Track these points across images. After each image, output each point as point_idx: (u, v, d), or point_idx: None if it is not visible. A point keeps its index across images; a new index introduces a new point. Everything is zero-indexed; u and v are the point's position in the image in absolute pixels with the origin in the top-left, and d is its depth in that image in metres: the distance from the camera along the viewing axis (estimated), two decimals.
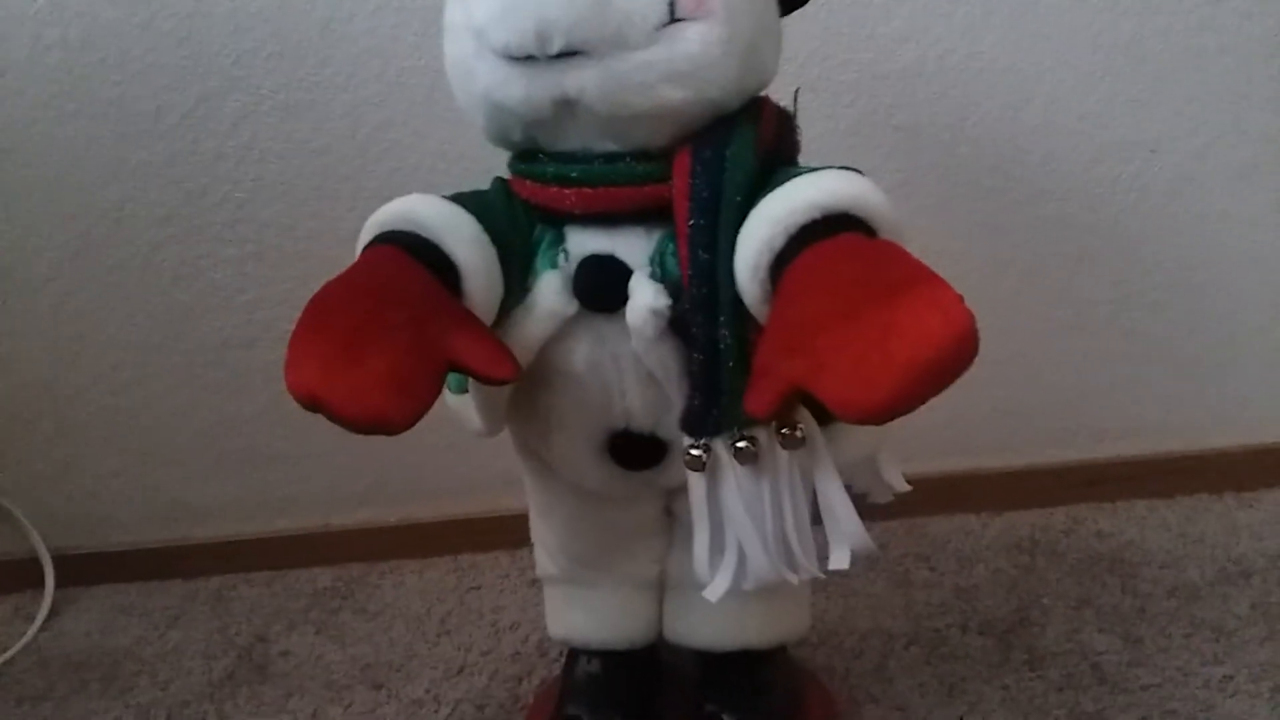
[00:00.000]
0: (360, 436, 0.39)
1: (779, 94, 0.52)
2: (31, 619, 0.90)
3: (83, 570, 0.95)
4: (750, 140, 0.46)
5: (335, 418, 0.38)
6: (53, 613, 0.92)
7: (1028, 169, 0.85)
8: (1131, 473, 0.92)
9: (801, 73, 0.81)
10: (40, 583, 0.94)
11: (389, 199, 0.48)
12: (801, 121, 0.53)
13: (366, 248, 0.46)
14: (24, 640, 0.88)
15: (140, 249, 0.86)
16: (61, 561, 0.95)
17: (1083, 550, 0.84)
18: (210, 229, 0.85)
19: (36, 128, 0.81)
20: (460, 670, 0.77)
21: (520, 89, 0.45)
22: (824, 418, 0.47)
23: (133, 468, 0.94)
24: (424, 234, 0.45)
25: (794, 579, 0.50)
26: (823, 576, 0.50)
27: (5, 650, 0.86)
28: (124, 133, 0.82)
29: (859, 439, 0.53)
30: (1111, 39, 0.81)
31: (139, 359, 0.90)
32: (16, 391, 0.91)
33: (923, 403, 0.36)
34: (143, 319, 0.88)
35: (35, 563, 0.94)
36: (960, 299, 0.36)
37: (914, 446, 0.91)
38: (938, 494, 0.92)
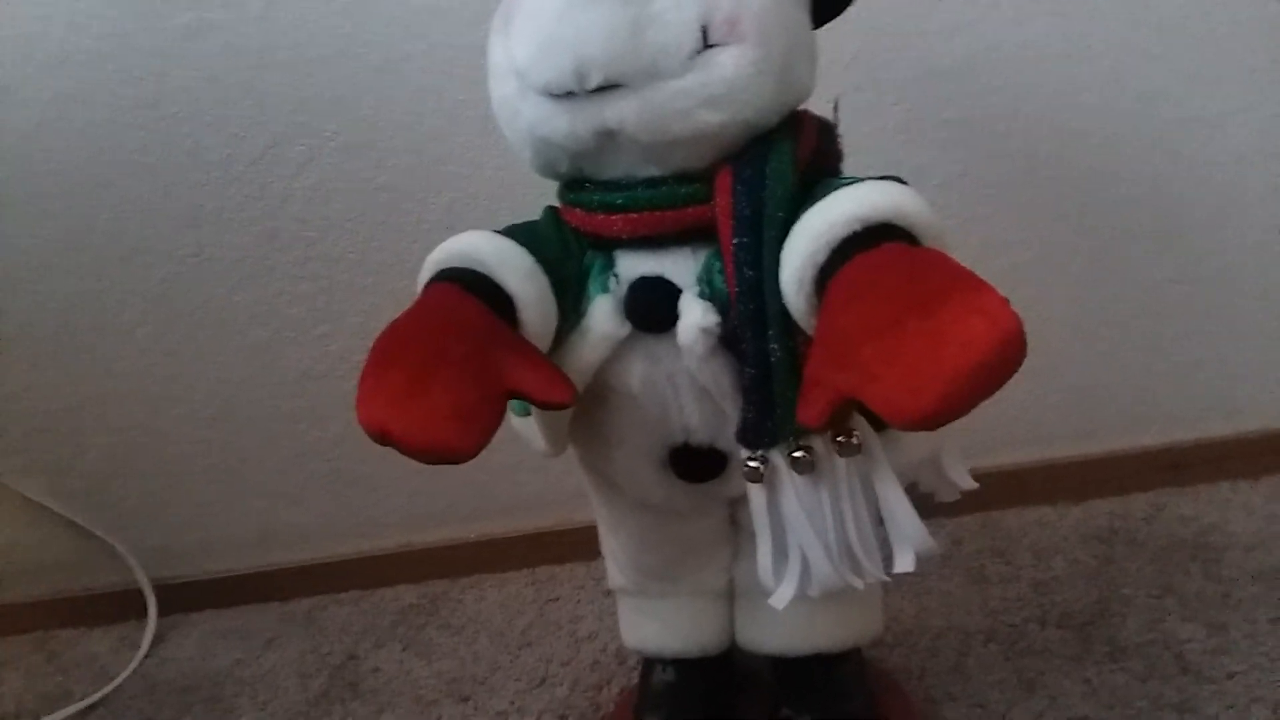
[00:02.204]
0: None
1: (826, 99, 0.52)
2: (137, 647, 0.95)
3: (182, 598, 1.00)
4: (789, 156, 0.47)
5: (404, 449, 0.40)
6: (156, 640, 0.96)
7: (1087, 153, 0.84)
8: (1212, 455, 0.90)
9: (847, 74, 0.81)
10: (143, 612, 0.98)
11: (451, 229, 0.50)
12: (850, 123, 0.53)
13: (426, 285, 0.47)
14: (131, 667, 0.92)
15: (219, 290, 0.89)
16: (162, 591, 0.99)
17: (1164, 537, 0.83)
18: (283, 268, 0.88)
19: (118, 185, 0.86)
20: (542, 681, 0.79)
21: (563, 124, 0.46)
22: (879, 423, 0.47)
23: (224, 498, 0.98)
24: (480, 269, 0.46)
25: (859, 584, 0.50)
26: (887, 580, 0.51)
27: (114, 678, 0.90)
28: (198, 181, 0.85)
29: (918, 441, 0.53)
30: (1167, 16, 0.79)
31: (224, 394, 0.94)
32: (113, 432, 0.95)
33: (973, 408, 0.36)
34: (226, 356, 0.92)
35: (138, 593, 0.99)
36: (1006, 302, 0.36)
37: (986, 439, 0.91)
38: (1012, 487, 0.92)
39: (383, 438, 0.40)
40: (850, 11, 0.53)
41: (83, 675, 0.93)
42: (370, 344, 0.42)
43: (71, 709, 0.86)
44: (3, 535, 1.00)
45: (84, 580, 1.02)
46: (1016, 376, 0.35)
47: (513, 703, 0.77)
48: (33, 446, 0.96)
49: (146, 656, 0.94)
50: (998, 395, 0.35)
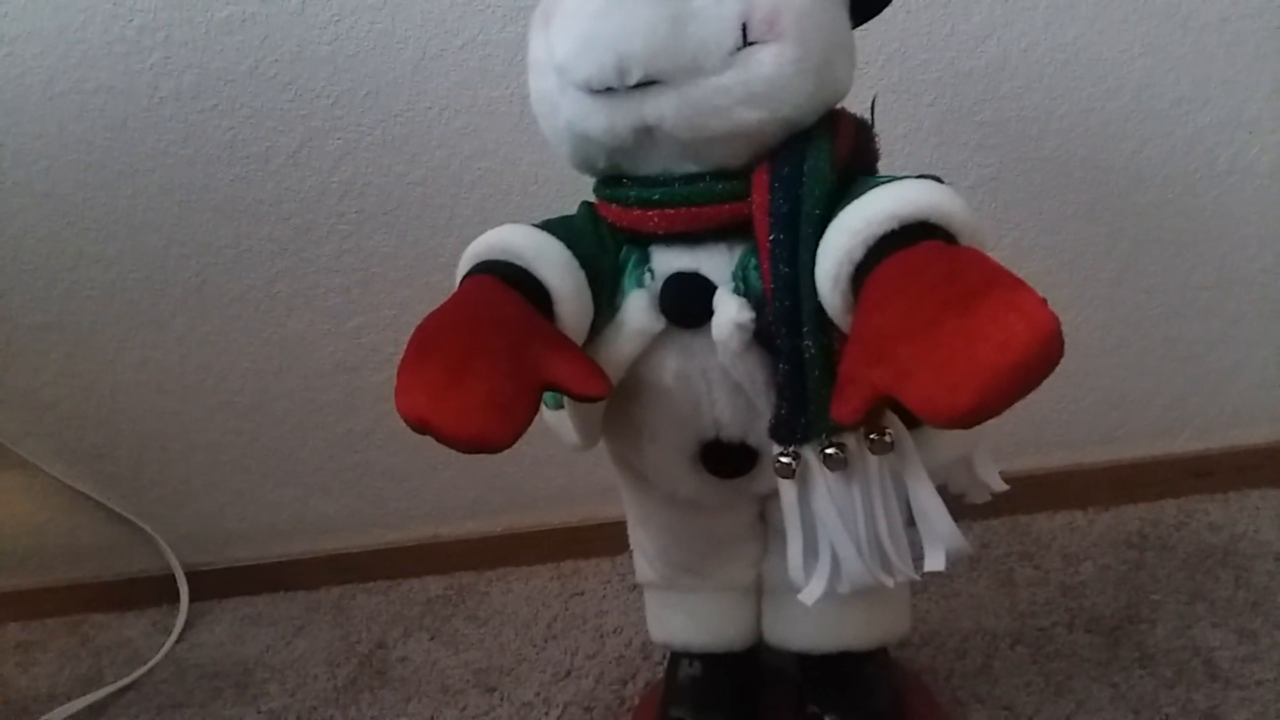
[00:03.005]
0: None
1: (860, 99, 0.52)
2: (169, 631, 0.96)
3: (214, 585, 1.01)
4: (827, 154, 0.47)
5: (442, 438, 0.40)
6: (188, 625, 0.98)
7: (1121, 157, 0.83)
8: (1243, 462, 0.89)
9: (882, 74, 0.81)
10: (175, 598, 1.00)
11: (484, 224, 0.50)
12: (885, 123, 0.53)
13: (464, 278, 0.48)
14: (163, 652, 0.93)
15: (256, 282, 0.91)
16: (194, 577, 1.01)
17: (1194, 544, 0.82)
18: (319, 260, 0.89)
19: (156, 175, 0.87)
20: (568, 673, 0.79)
21: (602, 120, 0.46)
22: (913, 421, 0.47)
23: (256, 487, 0.99)
24: (517, 262, 0.47)
25: (889, 582, 0.50)
26: (918, 579, 0.51)
27: (146, 662, 0.92)
28: (237, 175, 0.86)
29: (951, 440, 0.53)
30: (1202, 20, 0.79)
31: (258, 385, 0.95)
32: (148, 420, 0.97)
33: (1009, 406, 0.36)
34: (260, 347, 0.93)
35: (170, 579, 1.01)
36: (1043, 301, 0.36)
37: (1017, 442, 0.91)
38: (1042, 490, 0.91)
39: (422, 427, 0.41)
40: (886, 12, 0.53)
41: (115, 659, 0.94)
42: (403, 337, 0.43)
43: (103, 691, 0.87)
44: (39, 520, 1.02)
45: (118, 565, 1.04)
46: (1049, 380, 0.35)
47: (538, 694, 0.77)
48: (69, 433, 0.98)
49: (178, 641, 0.95)
50: (1029, 398, 0.35)
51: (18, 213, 0.89)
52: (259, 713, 0.82)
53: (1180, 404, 0.91)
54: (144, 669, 0.91)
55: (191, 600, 1.00)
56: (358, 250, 0.89)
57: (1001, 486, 0.58)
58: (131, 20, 0.82)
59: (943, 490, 0.55)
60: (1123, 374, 0.90)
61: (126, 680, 0.89)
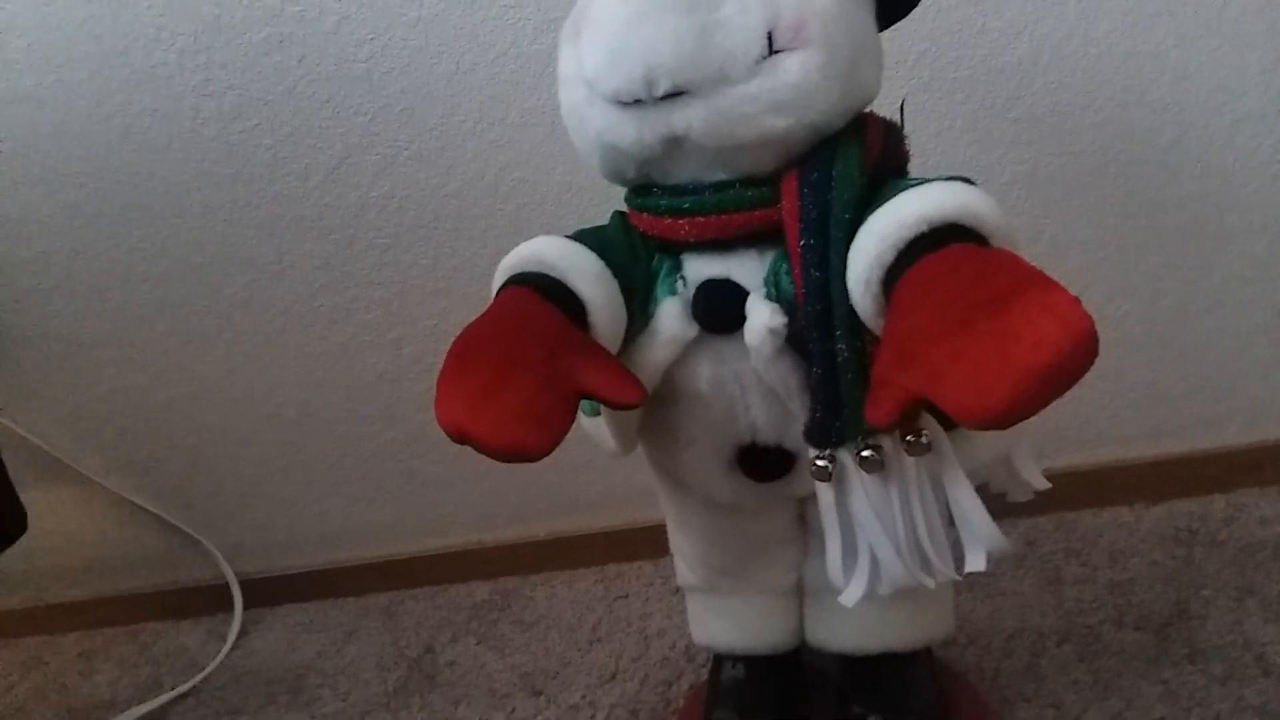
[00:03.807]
0: None
1: (891, 99, 0.52)
2: (224, 639, 0.98)
3: (266, 592, 1.03)
4: (856, 158, 0.47)
5: (480, 448, 0.41)
6: (242, 633, 1.00)
7: (1159, 150, 0.82)
8: None
9: (913, 74, 0.80)
10: (230, 606, 1.02)
11: (519, 234, 0.51)
12: (917, 123, 0.53)
13: (500, 290, 0.49)
14: (218, 659, 0.95)
15: (299, 297, 0.92)
16: (247, 585, 1.03)
17: (1244, 538, 0.81)
18: (359, 274, 0.91)
19: (200, 194, 0.89)
20: (613, 676, 0.80)
21: (631, 131, 0.47)
22: (949, 422, 0.47)
23: (304, 496, 1.01)
24: (552, 274, 0.48)
25: (929, 583, 0.50)
26: (959, 579, 0.51)
27: (203, 669, 0.94)
28: (278, 192, 0.88)
29: (990, 440, 0.53)
30: (1238, 8, 0.77)
31: (303, 397, 0.97)
32: (199, 433, 0.99)
33: (1043, 408, 0.35)
34: (305, 360, 0.95)
35: (225, 588, 1.03)
36: (1077, 301, 0.36)
37: (1061, 439, 0.90)
38: (1088, 487, 0.90)
39: (461, 437, 0.41)
40: (916, 10, 0.53)
41: (173, 666, 0.97)
42: (443, 347, 0.44)
43: (163, 698, 0.90)
44: (95, 531, 1.05)
45: (173, 575, 1.06)
46: (1093, 375, 0.35)
47: (584, 696, 0.78)
48: (122, 446, 1.01)
49: (233, 648, 0.97)
50: (1073, 394, 0.35)
51: (68, 233, 0.91)
52: (313, 717, 0.83)
53: (1227, 396, 0.89)
54: (201, 676, 0.93)
55: (245, 608, 1.02)
56: (396, 263, 0.90)
57: (1044, 484, 0.57)
58: (173, 44, 0.84)
59: (985, 489, 0.55)
60: (1168, 367, 0.89)
61: (185, 687, 0.91)
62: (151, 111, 0.87)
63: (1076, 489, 0.89)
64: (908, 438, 0.47)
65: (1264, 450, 0.88)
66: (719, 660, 0.66)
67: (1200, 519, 0.85)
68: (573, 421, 0.43)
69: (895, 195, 0.44)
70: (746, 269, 0.49)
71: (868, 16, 0.49)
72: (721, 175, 0.48)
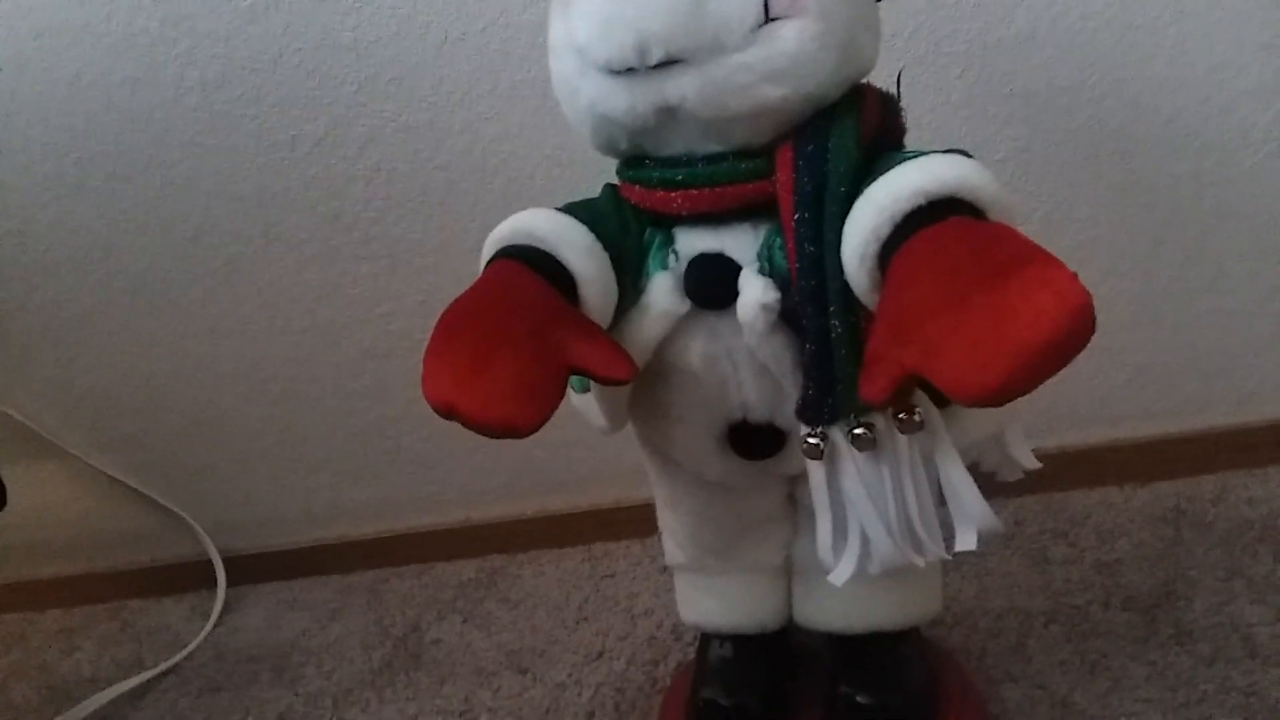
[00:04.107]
0: None
1: (887, 72, 0.51)
2: (207, 616, 0.98)
3: (250, 569, 1.03)
4: (852, 130, 0.46)
5: (468, 424, 0.41)
6: (225, 610, 0.99)
7: (1155, 126, 0.81)
8: None
9: (909, 47, 0.79)
10: (213, 583, 1.02)
11: (509, 208, 0.50)
12: (913, 97, 0.52)
13: (489, 263, 0.48)
14: (201, 636, 0.95)
15: (285, 270, 0.91)
16: (231, 562, 1.03)
17: (1232, 519, 0.81)
18: (346, 248, 0.90)
19: (183, 165, 0.88)
20: (599, 655, 0.80)
21: (624, 101, 0.46)
22: (942, 400, 0.47)
23: (289, 473, 1.01)
24: (541, 247, 0.47)
25: (920, 562, 0.50)
26: (949, 558, 0.50)
27: (186, 646, 0.93)
28: (263, 164, 0.87)
29: (982, 418, 0.53)
30: None
31: (289, 373, 0.96)
32: (183, 409, 0.98)
33: (1039, 384, 0.35)
34: (291, 335, 0.94)
35: (208, 564, 1.02)
36: (1074, 277, 0.35)
37: (1050, 418, 0.90)
38: (1076, 467, 0.90)
39: (448, 413, 0.41)
40: None
41: (155, 643, 0.96)
42: (431, 322, 0.43)
43: (145, 676, 0.89)
44: (78, 508, 1.04)
45: (156, 552, 1.06)
46: (1083, 354, 0.35)
47: (571, 675, 0.78)
48: (105, 422, 1.00)
49: (216, 626, 0.97)
50: (1063, 373, 0.35)
51: (48, 204, 0.90)
52: (296, 695, 0.83)
53: (1218, 377, 0.89)
54: (183, 653, 0.92)
55: (229, 585, 1.02)
56: (384, 237, 0.89)
57: (1034, 464, 0.57)
58: (156, 11, 0.82)
59: (975, 468, 0.54)
60: (1159, 347, 0.88)
61: (167, 664, 0.91)
62: (134, 80, 0.85)
63: (1065, 468, 0.89)
64: (900, 415, 0.46)
65: (1255, 431, 0.88)
66: (706, 639, 0.65)
67: (1189, 500, 0.85)
68: (562, 397, 0.42)
69: (892, 168, 0.43)
70: (740, 243, 0.48)
71: None
72: (715, 147, 0.48)
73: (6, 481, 0.84)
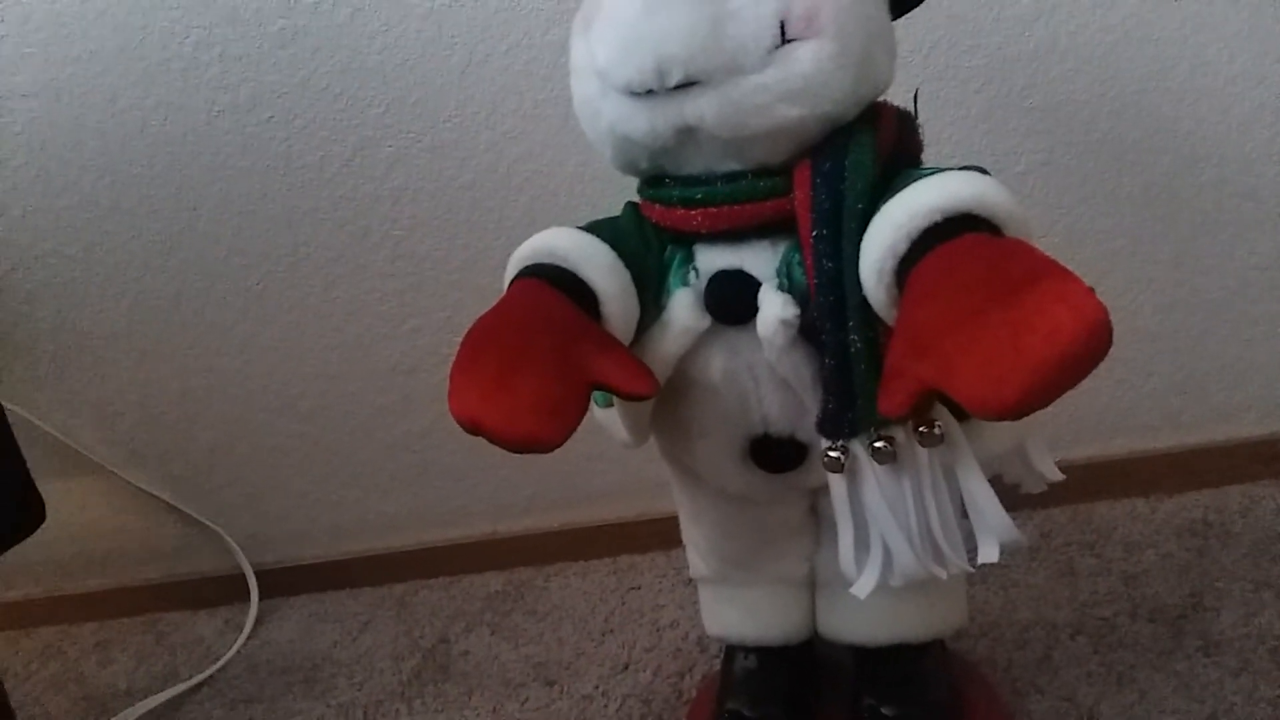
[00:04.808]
0: None
1: (906, 88, 0.52)
2: (240, 629, 0.99)
3: (282, 583, 1.04)
4: (869, 147, 0.47)
5: (493, 439, 0.42)
6: (258, 622, 1.01)
7: (1176, 138, 0.81)
8: None
9: (928, 62, 0.80)
10: (246, 596, 1.03)
11: (533, 225, 0.51)
12: (932, 112, 0.53)
13: (513, 281, 0.49)
14: (234, 648, 0.96)
15: (314, 289, 0.93)
16: (263, 575, 1.04)
17: (1260, 530, 0.80)
18: (374, 266, 0.91)
19: (215, 186, 0.89)
20: (626, 667, 0.80)
21: (644, 122, 0.47)
22: (962, 413, 0.47)
23: (320, 488, 1.02)
24: (564, 265, 0.48)
25: (941, 574, 0.50)
26: (971, 570, 0.51)
27: (219, 658, 0.95)
28: (292, 184, 0.89)
29: (1002, 431, 0.53)
30: None
31: (319, 388, 0.97)
32: (216, 424, 1.00)
33: (1056, 398, 0.35)
34: (320, 352, 0.95)
35: (241, 578, 1.04)
36: (1090, 291, 0.35)
37: (1076, 429, 0.90)
38: (1103, 478, 0.90)
39: (474, 428, 0.42)
40: (930, 0, 0.53)
41: (189, 656, 0.98)
42: (457, 338, 0.44)
43: (179, 688, 0.91)
44: (113, 522, 1.06)
45: (190, 566, 1.07)
46: (1108, 366, 0.35)
47: (597, 687, 0.78)
48: (140, 438, 1.02)
49: (249, 638, 0.98)
50: (1088, 384, 0.35)
51: (85, 227, 0.92)
52: (328, 706, 0.84)
53: (1244, 387, 0.89)
54: (217, 665, 0.94)
55: (261, 598, 1.03)
56: (411, 255, 0.90)
57: (1057, 476, 0.57)
58: (188, 37, 0.84)
59: (998, 481, 0.54)
60: (1184, 358, 0.88)
61: (201, 677, 0.92)
62: (167, 105, 0.87)
63: (1091, 480, 0.89)
64: (920, 429, 0.47)
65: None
66: (731, 651, 0.66)
67: (1215, 511, 0.84)
68: (585, 412, 0.43)
69: (909, 185, 0.44)
70: (759, 260, 0.49)
71: (880, 5, 0.49)
72: (734, 166, 0.48)
73: (45, 497, 0.85)
